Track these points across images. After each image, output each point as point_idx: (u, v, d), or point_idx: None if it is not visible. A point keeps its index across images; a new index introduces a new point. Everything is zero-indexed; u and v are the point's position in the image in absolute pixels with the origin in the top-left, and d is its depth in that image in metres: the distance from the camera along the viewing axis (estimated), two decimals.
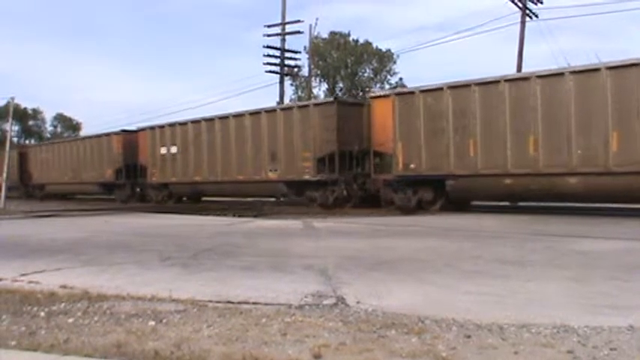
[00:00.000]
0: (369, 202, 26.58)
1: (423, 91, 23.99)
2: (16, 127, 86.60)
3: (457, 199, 23.85)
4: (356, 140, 26.83)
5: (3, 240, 15.34)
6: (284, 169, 29.05)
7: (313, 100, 28.71)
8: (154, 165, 37.21)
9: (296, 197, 29.15)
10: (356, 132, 26.90)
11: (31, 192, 51.80)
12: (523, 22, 39.99)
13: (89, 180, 43.40)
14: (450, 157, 22.86)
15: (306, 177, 27.92)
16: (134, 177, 39.59)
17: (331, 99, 27.69)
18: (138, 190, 40.11)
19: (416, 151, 24.01)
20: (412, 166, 24.18)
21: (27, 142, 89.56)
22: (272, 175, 29.66)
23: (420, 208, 24.18)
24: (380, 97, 27.06)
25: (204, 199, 37.30)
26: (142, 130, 39.14)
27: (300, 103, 29.06)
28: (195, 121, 34.46)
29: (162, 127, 37.09)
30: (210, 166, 32.92)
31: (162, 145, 36.37)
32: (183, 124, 35.27)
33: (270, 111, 30.74)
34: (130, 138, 39.79)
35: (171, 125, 36.22)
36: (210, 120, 33.44)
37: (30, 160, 52.59)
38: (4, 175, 35.56)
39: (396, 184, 25.14)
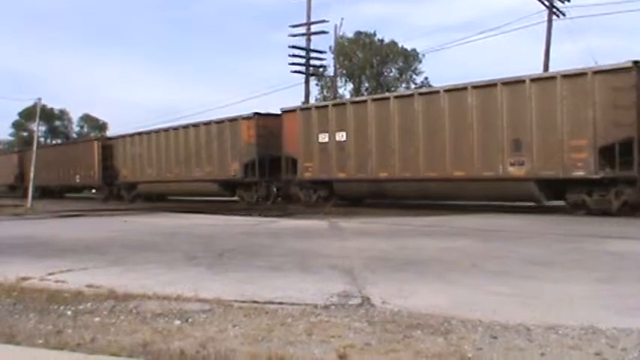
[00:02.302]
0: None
1: None
2: (43, 128, 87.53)
3: None
4: None
5: (30, 240, 15.45)
6: (537, 163, 21.67)
7: (594, 66, 20.70)
8: (307, 157, 29.55)
9: (547, 200, 22.34)
10: None
11: (117, 192, 44.57)
12: (550, 21, 39.64)
13: (203, 177, 35.52)
14: None
15: (579, 173, 20.74)
16: (273, 172, 31.96)
17: (628, 63, 19.71)
18: (275, 189, 32.48)
19: None
20: None
21: (50, 141, 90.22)
22: (515, 171, 22.28)
23: None
24: None
25: (368, 201, 30.45)
26: (290, 111, 31.17)
27: (569, 71, 21.05)
28: (378, 99, 27.84)
29: (322, 107, 30.08)
30: (405, 159, 25.61)
31: (323, 131, 28.84)
32: (359, 102, 28.73)
33: (514, 82, 22.73)
34: (267, 123, 32.22)
35: (338, 105, 29.49)
36: (404, 97, 26.78)
37: (117, 154, 44.03)
38: (32, 175, 35.51)
39: None
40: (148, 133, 41.61)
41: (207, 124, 36.00)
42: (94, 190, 50.69)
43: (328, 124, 28.61)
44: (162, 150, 39.34)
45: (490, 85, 22.95)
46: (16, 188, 55.97)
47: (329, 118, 28.54)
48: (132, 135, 43.60)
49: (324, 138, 28.83)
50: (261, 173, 32.09)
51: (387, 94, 26.96)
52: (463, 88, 23.72)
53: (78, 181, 48.51)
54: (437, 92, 25.09)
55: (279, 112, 31.68)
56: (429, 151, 24.73)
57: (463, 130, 23.63)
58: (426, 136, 24.85)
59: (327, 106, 29.63)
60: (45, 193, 51.54)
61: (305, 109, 30.80)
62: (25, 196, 48.87)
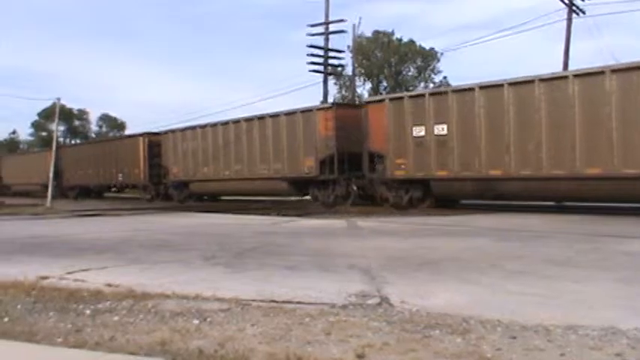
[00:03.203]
0: None
1: None
2: (62, 128, 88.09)
3: None
4: None
5: (50, 239, 15.54)
6: None
7: None
8: (399, 153, 25.74)
9: None
10: None
11: (165, 192, 40.69)
12: (569, 19, 39.38)
13: (271, 175, 31.52)
14: None
15: None
16: (353, 169, 28.12)
17: None
18: (355, 188, 28.65)
19: None
20: None
21: (70, 140, 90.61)
22: None
23: None
24: None
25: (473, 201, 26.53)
26: (376, 101, 27.81)
27: None
28: (487, 87, 23.27)
29: (417, 96, 26.13)
30: (522, 155, 21.95)
31: (418, 124, 25.10)
32: (463, 91, 24.22)
33: None
34: (346, 114, 28.77)
35: (437, 94, 25.56)
36: (521, 84, 22.33)
37: (166, 150, 40.00)
38: (51, 175, 35.48)
39: None
40: (203, 127, 37.52)
41: (274, 115, 31.98)
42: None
43: (425, 116, 24.95)
44: (220, 145, 35.22)
45: (635, 68, 19.58)
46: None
47: (426, 109, 24.89)
48: (183, 129, 39.50)
49: (419, 131, 25.16)
50: (340, 170, 28.24)
51: (499, 81, 22.88)
52: (599, 72, 20.42)
53: (121, 179, 44.89)
54: (564, 77, 21.50)
55: (357, 103, 28.27)
56: (554, 146, 21.30)
57: (599, 121, 20.18)
58: (549, 128, 21.40)
59: (423, 95, 25.84)
60: (83, 192, 50.02)
61: (395, 99, 26.86)
62: (60, 196, 47.85)
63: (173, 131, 40.35)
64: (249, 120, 33.58)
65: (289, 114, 30.85)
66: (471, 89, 23.72)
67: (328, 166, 28.39)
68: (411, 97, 26.16)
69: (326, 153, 28.41)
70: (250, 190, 34.33)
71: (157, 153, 40.94)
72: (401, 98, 26.42)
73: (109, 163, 45.88)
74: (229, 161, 34.36)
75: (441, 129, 24.40)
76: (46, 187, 51.78)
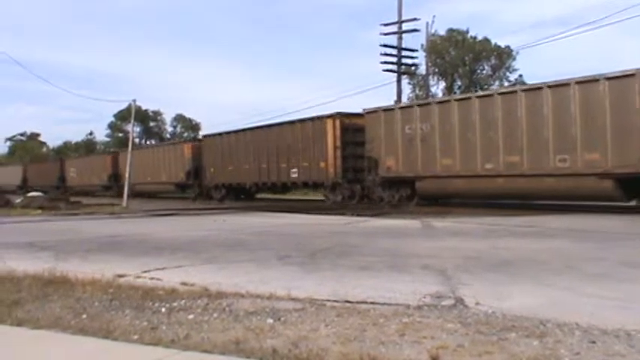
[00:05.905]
0: None
1: None
2: (137, 129, 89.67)
3: None
4: None
5: (126, 238, 15.83)
6: None
7: None
8: None
9: None
10: None
11: (363, 192, 31.17)
12: None
13: (575, 169, 22.00)
14: None
15: None
16: None
17: None
18: None
19: None
20: None
21: (145, 141, 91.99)
22: None
23: None
24: None
25: None
26: None
27: None
28: None
29: None
30: None
31: None
32: None
33: None
34: None
35: None
36: None
37: (373, 136, 29.55)
38: (127, 174, 35.96)
39: None
40: (442, 101, 28.13)
41: (582, 82, 21.86)
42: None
43: None
44: (475, 127, 25.29)
45: None
46: (186, 187, 46.07)
47: None
48: (406, 106, 29.77)
49: None
50: None
51: None
52: None
53: (295, 176, 35.10)
54: None
55: None
56: None
57: None
58: None
59: None
60: (233, 192, 41.73)
61: None
62: (204, 196, 43.01)
63: (388, 109, 29.87)
64: (529, 90, 24.17)
65: (613, 78, 20.99)
66: None
67: None
68: None
69: None
70: (535, 190, 24.07)
71: (354, 140, 31.70)
72: None
73: (276, 156, 36.51)
74: (493, 149, 24.59)
75: None
76: (180, 187, 46.48)
